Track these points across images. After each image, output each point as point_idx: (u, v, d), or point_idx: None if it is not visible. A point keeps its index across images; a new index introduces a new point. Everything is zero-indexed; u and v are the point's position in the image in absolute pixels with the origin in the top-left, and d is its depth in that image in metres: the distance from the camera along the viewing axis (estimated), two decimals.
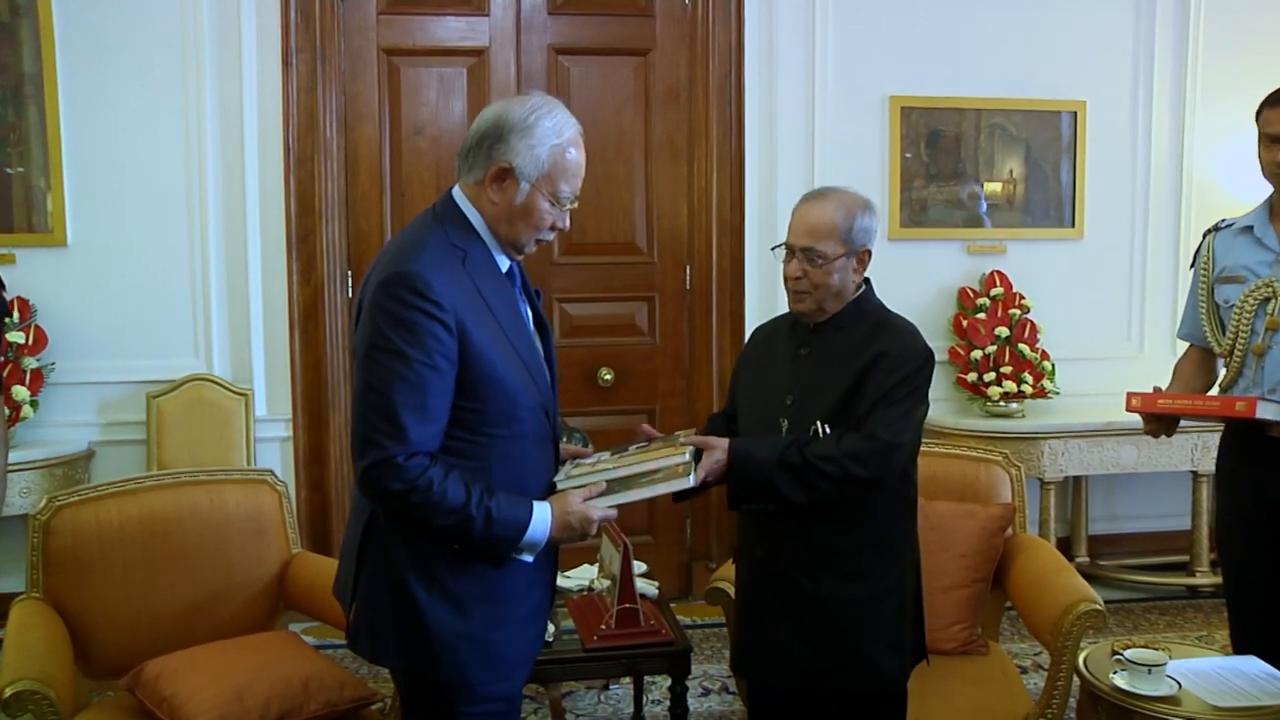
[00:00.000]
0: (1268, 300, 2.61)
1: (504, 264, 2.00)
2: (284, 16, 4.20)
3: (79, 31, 4.10)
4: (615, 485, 2.03)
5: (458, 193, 1.98)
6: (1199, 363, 2.88)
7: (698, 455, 2.14)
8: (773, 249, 2.34)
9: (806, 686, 2.28)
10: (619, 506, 2.02)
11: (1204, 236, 2.85)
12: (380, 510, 1.90)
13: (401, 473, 1.80)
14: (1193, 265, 2.90)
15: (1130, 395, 2.73)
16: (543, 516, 1.92)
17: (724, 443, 2.18)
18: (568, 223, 2.02)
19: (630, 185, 4.55)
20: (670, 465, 2.05)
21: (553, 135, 1.92)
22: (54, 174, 4.10)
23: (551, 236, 2.02)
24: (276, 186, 4.26)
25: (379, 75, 4.37)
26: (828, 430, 2.19)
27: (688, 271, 4.60)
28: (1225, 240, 2.78)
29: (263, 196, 4.26)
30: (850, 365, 2.22)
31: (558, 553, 2.13)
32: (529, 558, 1.94)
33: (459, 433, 1.88)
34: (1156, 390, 2.75)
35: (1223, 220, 2.85)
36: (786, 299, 2.30)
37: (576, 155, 1.97)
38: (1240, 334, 2.66)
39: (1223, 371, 2.77)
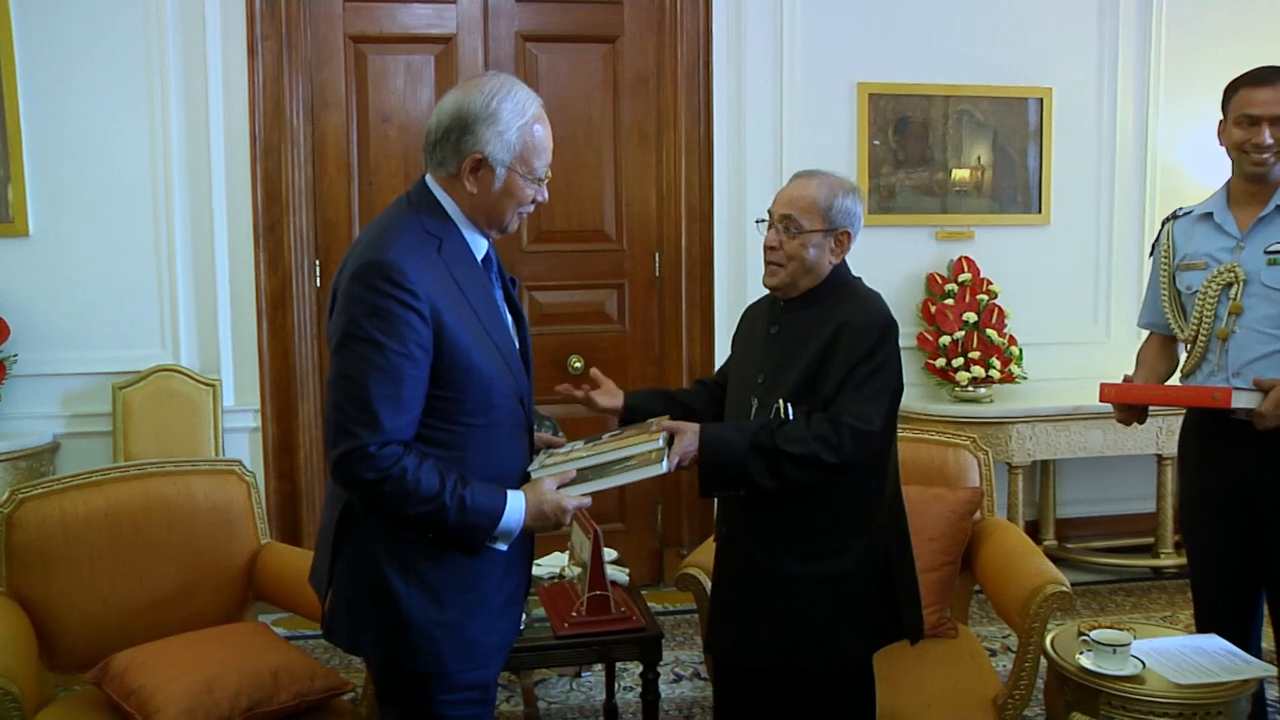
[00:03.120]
0: (1229, 285, 2.64)
1: (480, 248, 2.01)
2: (249, 3, 4.16)
3: (38, 18, 4.04)
4: (588, 473, 2.03)
5: (431, 182, 1.98)
6: (1161, 348, 2.91)
7: (671, 441, 2.14)
8: (756, 221, 2.39)
9: (768, 663, 2.30)
10: (593, 494, 2.02)
11: (1162, 225, 2.88)
12: (355, 499, 1.90)
13: (375, 461, 1.80)
14: (1152, 253, 2.93)
15: (1103, 386, 2.76)
16: (516, 505, 1.92)
17: (695, 427, 2.19)
18: (546, 195, 2.04)
19: (599, 173, 4.54)
20: (643, 452, 2.06)
21: (518, 116, 1.93)
22: (14, 163, 4.04)
23: (531, 209, 2.04)
24: (243, 175, 4.22)
25: (346, 63, 4.34)
26: (789, 410, 2.20)
27: (657, 258, 4.60)
28: (1184, 228, 2.80)
29: (229, 185, 4.22)
30: (816, 340, 2.24)
31: (533, 541, 2.13)
32: (503, 546, 1.94)
33: (435, 422, 1.88)
34: (1127, 380, 2.79)
35: (1180, 208, 2.88)
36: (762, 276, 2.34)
37: (543, 130, 1.99)
38: (1204, 319, 2.68)
39: (1184, 356, 2.81)
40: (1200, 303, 2.69)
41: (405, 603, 1.89)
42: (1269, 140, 2.58)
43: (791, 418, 2.20)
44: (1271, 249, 2.61)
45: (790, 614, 2.25)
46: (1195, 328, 2.70)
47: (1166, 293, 2.82)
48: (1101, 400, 2.77)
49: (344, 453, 1.81)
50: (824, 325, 2.24)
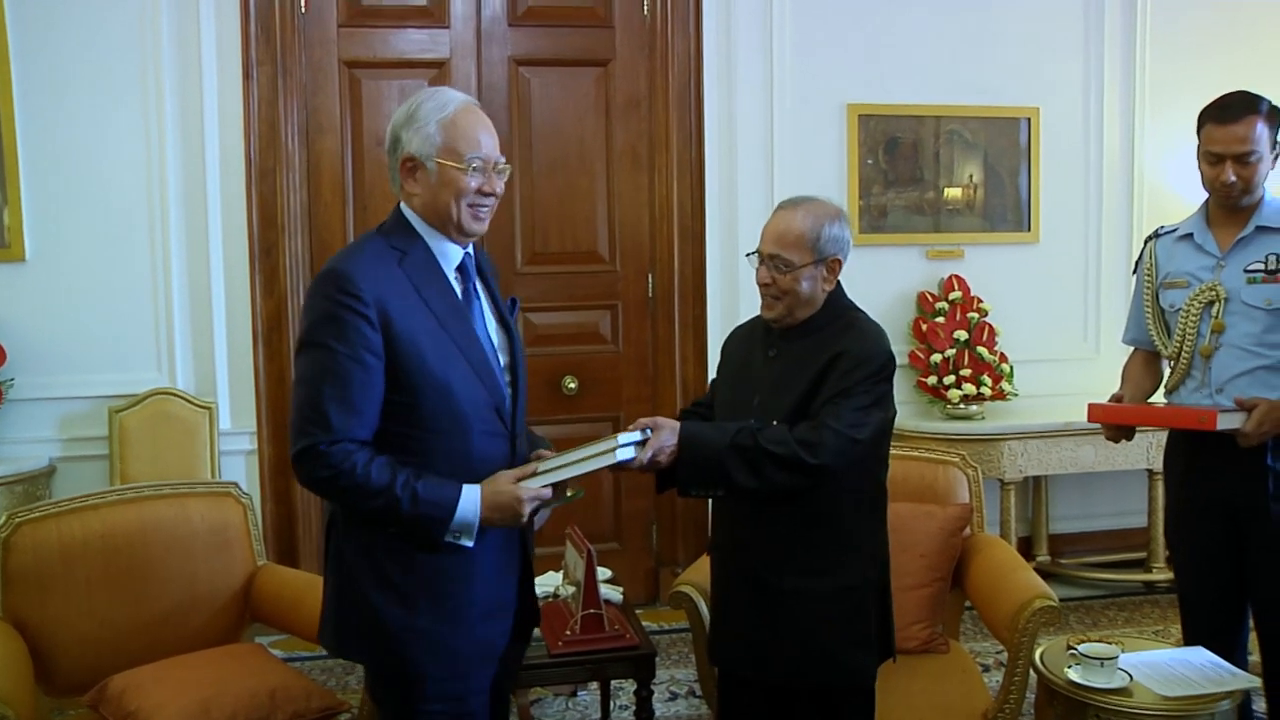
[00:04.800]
0: (1211, 303, 2.68)
1: (453, 256, 2.06)
2: (244, 29, 4.20)
3: (35, 44, 4.08)
4: (554, 469, 2.06)
5: (403, 206, 2.07)
6: (1145, 365, 2.95)
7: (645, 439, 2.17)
8: (746, 255, 2.39)
9: (772, 678, 2.32)
10: (555, 485, 2.04)
11: (1145, 243, 2.92)
12: (319, 496, 1.99)
13: (328, 459, 1.88)
14: (1135, 271, 2.97)
15: (1091, 407, 2.80)
16: (471, 496, 1.95)
17: (674, 423, 2.21)
18: (498, 186, 2.06)
19: (592, 195, 4.58)
20: (607, 447, 2.08)
21: (436, 112, 1.99)
22: (11, 188, 4.07)
23: (486, 202, 2.05)
24: (238, 199, 4.25)
25: (340, 87, 4.38)
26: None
27: (650, 280, 4.64)
28: (1166, 246, 2.85)
29: (224, 209, 4.25)
30: (813, 366, 2.26)
31: (523, 557, 2.15)
32: (468, 542, 1.97)
33: (396, 427, 1.95)
34: (1115, 399, 2.83)
35: (1161, 227, 2.92)
36: (760, 305, 2.36)
37: (467, 120, 2.01)
38: (1187, 337, 2.72)
39: (1168, 372, 2.84)
40: (1183, 320, 2.72)
41: (380, 608, 1.97)
42: (1232, 178, 2.63)
43: None
44: (1251, 268, 2.65)
45: (794, 629, 2.27)
46: (1179, 345, 2.74)
47: (1150, 310, 2.86)
48: (1090, 421, 2.82)
49: (299, 451, 1.90)
50: (822, 352, 2.27)
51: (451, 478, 1.95)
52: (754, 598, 2.31)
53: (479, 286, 2.12)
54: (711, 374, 4.51)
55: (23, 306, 4.12)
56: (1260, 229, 2.67)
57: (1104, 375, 4.58)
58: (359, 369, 1.89)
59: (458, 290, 2.05)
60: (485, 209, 2.05)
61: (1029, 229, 4.92)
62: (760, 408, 2.30)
